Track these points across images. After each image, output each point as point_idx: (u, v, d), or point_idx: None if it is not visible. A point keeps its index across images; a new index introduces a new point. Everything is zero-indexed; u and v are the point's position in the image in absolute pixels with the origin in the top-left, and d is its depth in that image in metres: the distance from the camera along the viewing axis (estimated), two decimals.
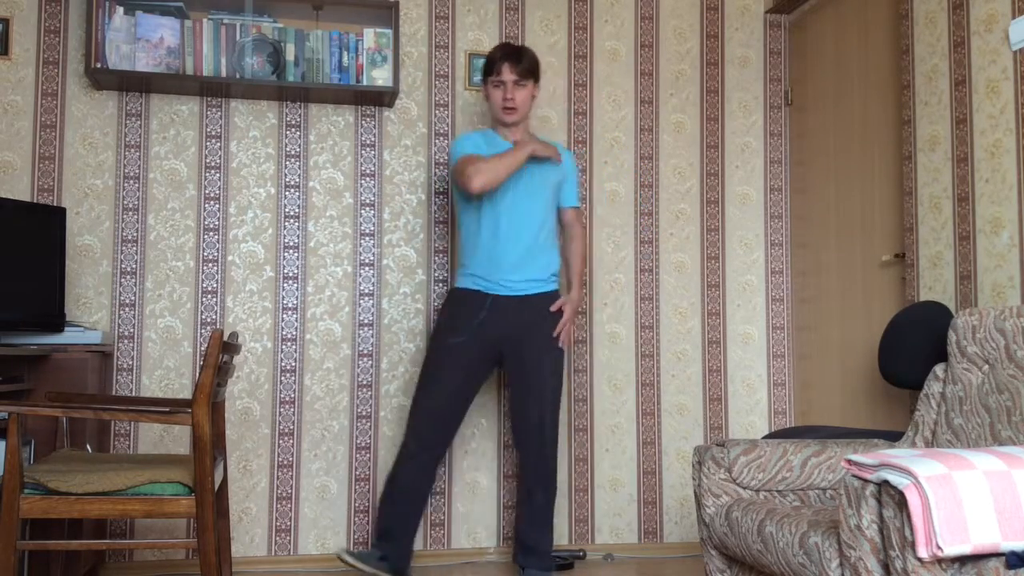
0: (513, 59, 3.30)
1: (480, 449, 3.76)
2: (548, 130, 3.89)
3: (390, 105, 3.75)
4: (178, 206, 3.60)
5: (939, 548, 1.66)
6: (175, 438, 3.53)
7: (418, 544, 3.66)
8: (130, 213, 3.56)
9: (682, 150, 4.02)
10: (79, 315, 3.49)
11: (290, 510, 3.60)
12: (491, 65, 3.33)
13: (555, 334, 3.32)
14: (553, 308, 3.32)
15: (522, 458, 3.30)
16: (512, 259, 3.28)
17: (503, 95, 3.31)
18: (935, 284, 3.07)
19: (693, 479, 2.65)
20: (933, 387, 2.62)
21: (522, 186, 3.31)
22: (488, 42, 3.87)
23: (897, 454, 1.80)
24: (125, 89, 3.56)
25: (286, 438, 3.61)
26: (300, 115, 3.71)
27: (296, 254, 3.67)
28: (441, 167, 3.80)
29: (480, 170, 3.16)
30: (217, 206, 3.63)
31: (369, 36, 3.62)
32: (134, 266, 3.55)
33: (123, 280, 3.54)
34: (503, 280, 3.28)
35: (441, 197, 3.80)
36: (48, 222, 3.20)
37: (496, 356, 3.32)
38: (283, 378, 3.63)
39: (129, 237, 3.56)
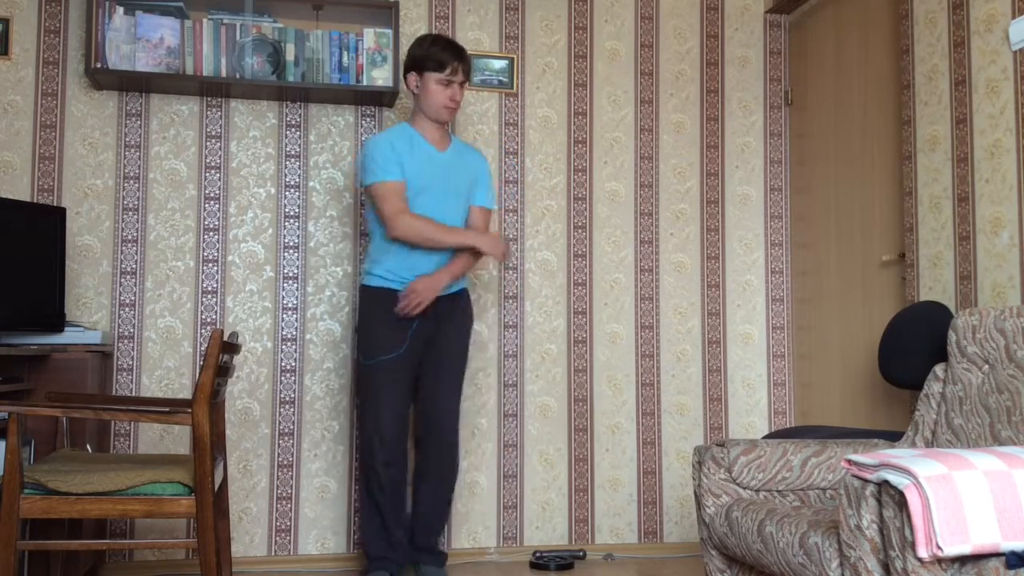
0: (466, 61, 3.29)
1: (480, 449, 3.75)
2: (548, 130, 3.89)
3: (390, 105, 3.75)
4: (178, 206, 3.60)
5: (939, 548, 1.66)
6: (175, 438, 3.53)
7: None
8: (130, 213, 3.56)
9: (682, 150, 4.02)
10: (79, 315, 3.49)
11: (290, 510, 3.60)
12: (442, 64, 3.23)
13: (399, 307, 3.20)
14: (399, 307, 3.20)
15: (428, 447, 3.31)
16: (432, 265, 3.24)
17: (451, 95, 3.26)
18: (935, 284, 3.07)
19: (693, 479, 2.65)
20: (933, 387, 2.62)
21: (439, 190, 3.26)
22: (488, 42, 3.87)
23: (897, 454, 1.80)
24: (125, 89, 3.56)
25: (286, 438, 3.61)
26: (300, 115, 3.71)
27: (296, 254, 3.67)
28: None
29: (418, 230, 3.14)
30: (217, 206, 3.63)
31: (369, 36, 3.62)
32: (134, 266, 3.55)
33: (123, 280, 3.54)
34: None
35: None
36: (48, 222, 3.20)
37: (422, 353, 3.32)
38: (283, 378, 3.63)
39: (129, 237, 3.56)
